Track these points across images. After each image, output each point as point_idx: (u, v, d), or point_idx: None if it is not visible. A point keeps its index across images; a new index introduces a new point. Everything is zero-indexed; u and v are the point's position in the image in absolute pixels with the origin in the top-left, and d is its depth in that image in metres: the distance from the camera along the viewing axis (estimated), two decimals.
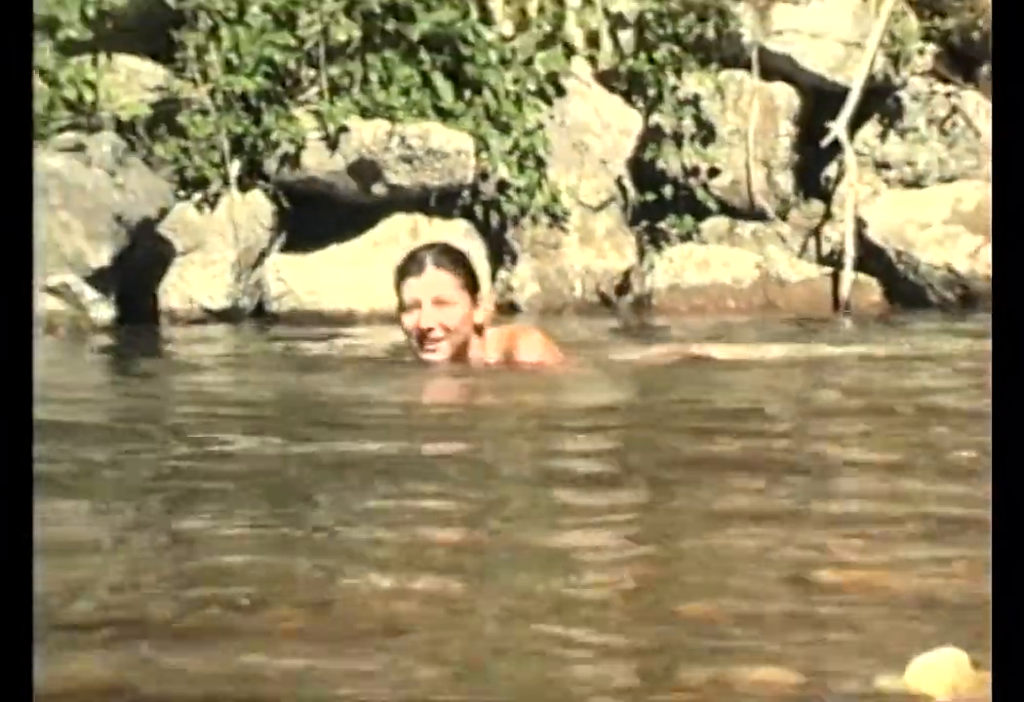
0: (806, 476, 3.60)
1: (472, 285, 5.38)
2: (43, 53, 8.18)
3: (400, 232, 8.06)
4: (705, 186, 8.64)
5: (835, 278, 8.20)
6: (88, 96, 8.10)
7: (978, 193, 8.22)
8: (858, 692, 2.02)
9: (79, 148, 7.78)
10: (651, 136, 8.60)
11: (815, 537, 2.95)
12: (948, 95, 8.61)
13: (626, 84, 8.81)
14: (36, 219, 7.50)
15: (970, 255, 7.96)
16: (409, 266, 5.40)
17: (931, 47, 8.74)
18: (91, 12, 8.21)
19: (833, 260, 8.37)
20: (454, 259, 5.46)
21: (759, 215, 8.64)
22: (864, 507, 3.31)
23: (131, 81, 8.26)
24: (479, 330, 5.41)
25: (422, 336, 5.32)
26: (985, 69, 8.67)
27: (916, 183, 8.55)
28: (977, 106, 8.62)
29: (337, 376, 6.06)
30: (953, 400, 4.70)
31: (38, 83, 8.00)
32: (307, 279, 8.17)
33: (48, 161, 7.64)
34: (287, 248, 8.11)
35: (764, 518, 3.07)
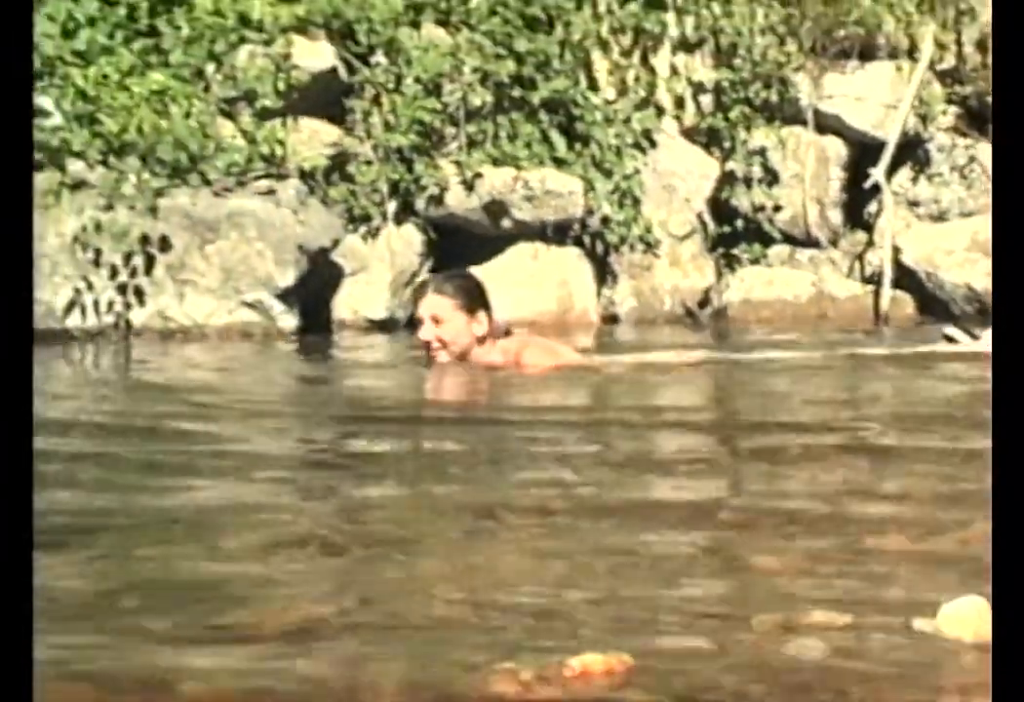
0: None
1: (471, 306, 5.83)
2: (244, 118, 8.65)
3: (524, 257, 8.51)
4: (770, 220, 9.12)
5: (876, 295, 8.76)
6: (279, 151, 8.54)
7: (986, 226, 8.36)
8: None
9: (270, 192, 8.31)
10: (726, 180, 9.07)
11: None
12: (967, 147, 9.12)
13: (706, 138, 9.27)
14: (236, 249, 8.11)
15: (986, 275, 8.39)
16: (419, 290, 6.02)
17: (952, 109, 9.19)
18: (282, 86, 8.63)
19: (875, 280, 8.88)
20: (456, 285, 5.94)
21: (814, 243, 9.17)
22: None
23: (312, 139, 8.72)
24: (481, 340, 5.84)
25: (425, 346, 5.87)
26: None
27: (941, 218, 9.11)
28: (988, 162, 8.94)
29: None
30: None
31: (240, 142, 8.48)
32: None
33: (246, 203, 8.20)
34: (433, 270, 8.48)
35: None
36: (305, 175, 8.45)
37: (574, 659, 2.12)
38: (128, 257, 7.94)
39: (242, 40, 8.69)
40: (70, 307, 8.02)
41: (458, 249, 8.46)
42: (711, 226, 8.78)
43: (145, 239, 7.99)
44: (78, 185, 8.14)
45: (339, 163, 8.63)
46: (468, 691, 2.05)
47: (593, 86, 9.07)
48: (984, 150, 8.90)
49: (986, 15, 8.89)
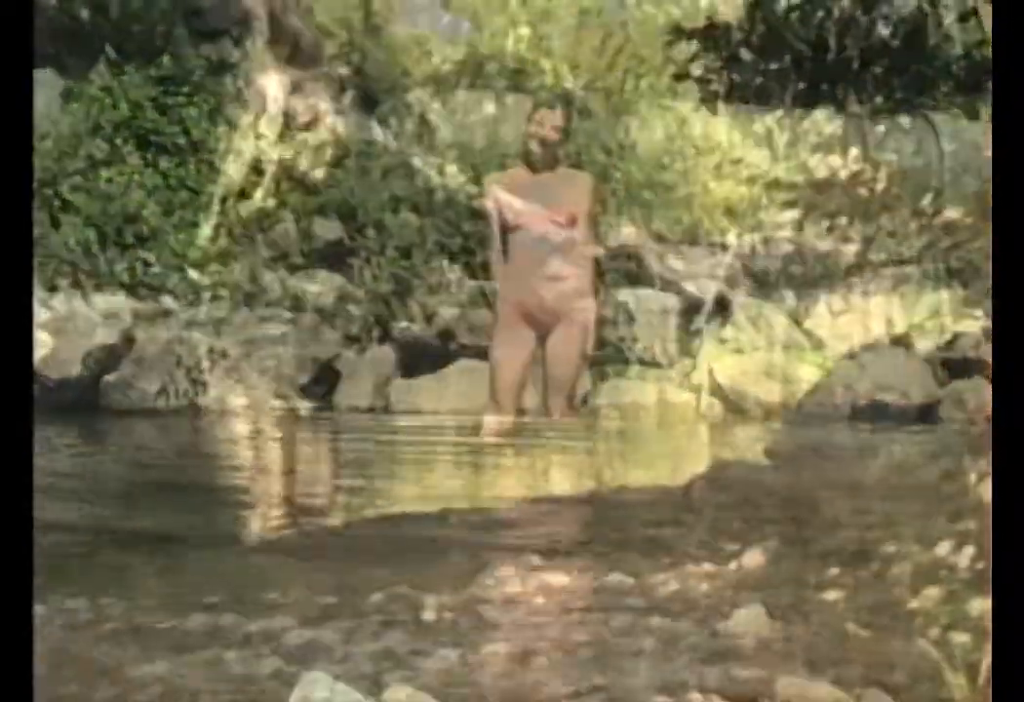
0: None
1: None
2: (281, 270, 9.64)
3: (464, 368, 8.79)
4: (630, 348, 9.43)
5: (698, 400, 9.02)
6: (302, 294, 9.24)
7: (770, 357, 9.25)
8: None
9: (295, 321, 9.03)
10: (602, 321, 8.57)
11: None
12: (757, 306, 9.81)
13: None
14: (272, 358, 8.64)
15: (767, 391, 8.97)
16: (539, 109, 7.13)
17: (747, 280, 10.23)
18: (306, 249, 9.63)
19: (698, 389, 9.10)
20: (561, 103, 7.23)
21: (659, 365, 9.41)
22: None
23: (324, 284, 9.38)
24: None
25: (542, 141, 7.01)
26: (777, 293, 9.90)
27: (740, 351, 9.51)
28: (770, 315, 9.74)
29: None
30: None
31: (277, 286, 9.36)
32: (415, 392, 8.80)
33: (280, 328, 8.94)
34: (403, 375, 8.90)
35: None
36: (319, 310, 9.27)
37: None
38: (199, 362, 8.77)
39: (281, 220, 9.93)
40: (159, 393, 8.86)
41: (418, 362, 9.02)
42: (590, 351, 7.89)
43: (211, 350, 8.88)
44: (168, 312, 9.34)
45: (341, 301, 9.37)
46: None
47: None
48: (770, 308, 9.72)
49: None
